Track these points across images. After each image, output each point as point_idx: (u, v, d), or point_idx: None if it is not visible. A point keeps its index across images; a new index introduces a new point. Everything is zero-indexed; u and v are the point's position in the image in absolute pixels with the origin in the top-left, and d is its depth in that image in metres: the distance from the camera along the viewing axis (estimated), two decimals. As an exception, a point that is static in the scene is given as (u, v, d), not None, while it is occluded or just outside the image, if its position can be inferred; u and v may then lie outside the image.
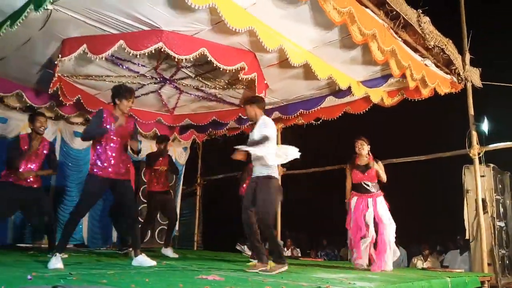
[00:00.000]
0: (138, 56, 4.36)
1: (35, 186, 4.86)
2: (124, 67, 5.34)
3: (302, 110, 6.49)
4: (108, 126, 3.98)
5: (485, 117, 5.64)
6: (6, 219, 4.98)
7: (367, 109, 6.29)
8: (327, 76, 4.97)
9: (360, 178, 4.97)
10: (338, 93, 5.87)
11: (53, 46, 4.70)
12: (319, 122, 6.89)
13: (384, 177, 4.95)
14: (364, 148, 5.02)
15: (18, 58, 5.03)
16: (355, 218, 4.89)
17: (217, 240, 9.17)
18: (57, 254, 3.61)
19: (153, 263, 4.00)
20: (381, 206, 4.85)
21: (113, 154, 3.99)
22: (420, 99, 5.84)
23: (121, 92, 4.07)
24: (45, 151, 4.97)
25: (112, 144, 4.00)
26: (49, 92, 5.23)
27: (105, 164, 3.94)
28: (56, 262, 3.52)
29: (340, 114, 6.59)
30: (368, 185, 4.93)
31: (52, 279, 2.71)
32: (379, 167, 4.95)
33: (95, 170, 3.93)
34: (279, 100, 6.58)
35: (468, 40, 5.81)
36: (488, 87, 5.88)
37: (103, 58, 4.59)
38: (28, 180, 4.81)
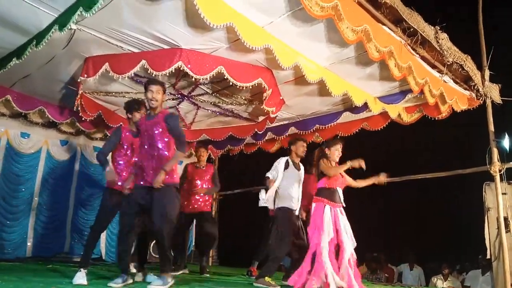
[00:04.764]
0: (159, 76, 4.46)
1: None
2: (143, 83, 5.43)
3: (318, 126, 6.48)
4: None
5: (506, 134, 5.53)
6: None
7: (385, 125, 6.25)
8: (342, 93, 4.98)
9: (340, 183, 4.26)
10: (355, 109, 5.86)
11: (75, 64, 4.85)
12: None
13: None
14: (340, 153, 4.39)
15: (42, 75, 5.19)
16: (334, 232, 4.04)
17: (233, 256, 9.12)
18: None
19: None
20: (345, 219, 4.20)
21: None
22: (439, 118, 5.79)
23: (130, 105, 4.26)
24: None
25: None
26: (74, 110, 5.36)
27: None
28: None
29: (357, 130, 6.56)
30: (339, 193, 4.25)
31: (71, 294, 2.75)
32: None
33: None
34: (295, 115, 6.60)
35: (489, 56, 5.74)
36: (509, 103, 5.78)
37: (126, 78, 4.70)
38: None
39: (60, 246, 7.12)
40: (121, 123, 4.38)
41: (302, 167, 5.02)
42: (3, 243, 6.51)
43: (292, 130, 6.87)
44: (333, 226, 4.00)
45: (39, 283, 3.36)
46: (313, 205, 4.22)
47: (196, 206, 5.74)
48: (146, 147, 3.68)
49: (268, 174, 4.89)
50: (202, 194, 5.76)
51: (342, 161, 4.35)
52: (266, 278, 4.28)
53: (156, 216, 3.48)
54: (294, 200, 4.77)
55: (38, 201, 6.98)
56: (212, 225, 5.80)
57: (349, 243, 4.03)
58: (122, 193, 3.90)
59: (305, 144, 5.02)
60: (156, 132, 3.65)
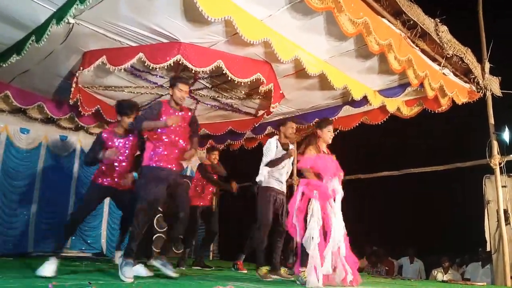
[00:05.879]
0: (157, 69, 4.44)
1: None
2: (142, 78, 5.43)
3: (318, 120, 6.46)
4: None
5: (506, 127, 5.52)
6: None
7: (385, 119, 6.24)
8: (343, 86, 4.97)
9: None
10: (355, 102, 5.84)
11: (74, 59, 4.83)
12: (336, 133, 6.81)
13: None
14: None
15: (41, 70, 5.18)
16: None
17: (233, 250, 9.14)
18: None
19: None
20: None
21: None
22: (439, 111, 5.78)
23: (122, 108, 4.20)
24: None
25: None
26: (71, 103, 5.35)
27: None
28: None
29: (357, 124, 6.55)
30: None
31: (72, 289, 2.75)
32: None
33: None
34: (295, 109, 6.59)
35: (489, 49, 5.72)
36: (509, 96, 5.77)
37: (122, 70, 4.68)
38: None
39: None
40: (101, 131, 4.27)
41: (291, 148, 4.82)
42: (3, 238, 6.52)
43: (292, 124, 6.85)
44: (321, 213, 3.83)
45: (40, 278, 3.37)
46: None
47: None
48: (173, 137, 3.87)
49: (263, 169, 4.61)
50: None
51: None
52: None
53: (185, 200, 4.00)
54: (279, 182, 4.68)
55: (38, 196, 6.99)
56: None
57: (338, 229, 3.78)
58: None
59: (294, 126, 4.89)
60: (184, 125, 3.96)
